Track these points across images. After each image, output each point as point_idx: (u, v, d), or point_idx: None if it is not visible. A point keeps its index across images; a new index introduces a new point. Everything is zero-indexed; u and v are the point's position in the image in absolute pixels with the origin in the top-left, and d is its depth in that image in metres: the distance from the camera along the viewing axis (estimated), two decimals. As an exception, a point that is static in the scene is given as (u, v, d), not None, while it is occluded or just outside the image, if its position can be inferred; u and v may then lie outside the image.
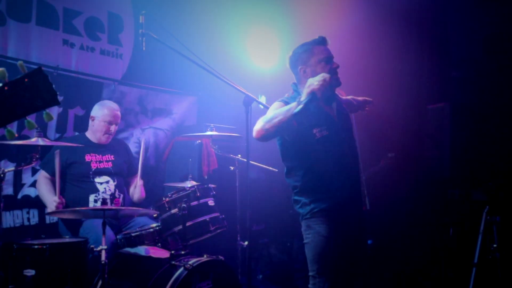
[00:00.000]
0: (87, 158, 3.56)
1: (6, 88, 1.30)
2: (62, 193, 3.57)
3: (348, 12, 4.84)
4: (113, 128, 3.67)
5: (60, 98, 4.15)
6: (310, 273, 2.54)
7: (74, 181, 3.54)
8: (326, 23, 4.90)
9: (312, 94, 2.35)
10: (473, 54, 4.64)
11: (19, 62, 1.35)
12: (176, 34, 3.39)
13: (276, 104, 2.62)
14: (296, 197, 2.64)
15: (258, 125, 2.46)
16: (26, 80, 1.30)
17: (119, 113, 3.72)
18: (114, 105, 3.75)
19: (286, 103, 2.57)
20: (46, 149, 3.46)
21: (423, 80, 4.83)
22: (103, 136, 3.64)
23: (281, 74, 5.41)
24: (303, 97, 2.37)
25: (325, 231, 2.50)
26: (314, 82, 2.37)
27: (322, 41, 2.69)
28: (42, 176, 3.56)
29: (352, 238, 2.57)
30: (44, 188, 3.49)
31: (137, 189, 3.65)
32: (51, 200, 3.30)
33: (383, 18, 4.71)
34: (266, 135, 2.45)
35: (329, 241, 2.49)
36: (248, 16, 5.14)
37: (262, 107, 3.44)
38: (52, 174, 3.52)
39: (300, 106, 2.33)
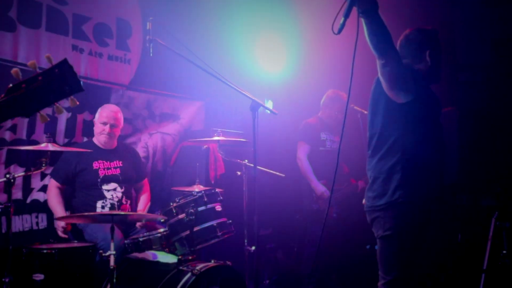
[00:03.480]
0: (95, 165, 3.58)
1: (40, 78, 1.48)
2: (70, 199, 3.61)
3: (355, 15, 4.83)
4: (107, 128, 3.62)
5: (68, 103, 4.15)
6: (387, 277, 2.32)
7: (82, 188, 3.57)
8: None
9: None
10: (480, 58, 4.63)
11: (31, 62, 1.53)
12: (183, 39, 3.42)
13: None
14: (384, 175, 2.38)
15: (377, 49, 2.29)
16: (56, 70, 1.48)
17: (116, 114, 3.69)
18: (111, 107, 3.76)
19: (408, 65, 2.44)
20: (55, 154, 3.49)
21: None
22: (100, 136, 3.65)
23: (288, 79, 5.45)
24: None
25: (418, 226, 2.31)
26: None
27: (438, 35, 2.60)
28: (52, 185, 3.58)
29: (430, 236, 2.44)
30: (54, 201, 3.53)
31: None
32: (57, 222, 3.45)
33: (390, 21, 4.70)
34: (384, 48, 2.28)
35: (414, 242, 2.31)
36: (255, 21, 5.16)
37: (268, 112, 3.44)
38: (62, 183, 3.56)
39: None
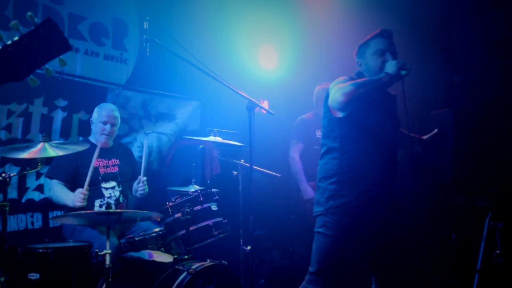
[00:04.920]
0: (95, 163, 3.57)
1: (25, 39, 1.39)
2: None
3: (352, 15, 4.86)
4: (108, 127, 3.63)
5: (64, 103, 4.14)
6: (310, 269, 2.47)
7: (82, 187, 3.53)
8: (330, 27, 4.93)
9: (408, 68, 2.36)
10: (476, 59, 4.65)
11: (13, 22, 1.44)
12: (180, 39, 3.43)
13: (343, 77, 2.54)
14: (323, 184, 2.50)
15: (349, 88, 2.36)
16: (41, 30, 1.40)
17: (115, 113, 3.69)
18: (110, 106, 3.77)
19: (352, 79, 2.52)
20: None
21: (426, 85, 4.84)
22: (100, 136, 3.64)
23: (284, 78, 5.47)
24: (393, 70, 2.36)
25: (338, 232, 2.40)
26: (400, 61, 2.41)
27: (379, 33, 2.60)
28: (55, 183, 3.49)
29: (374, 240, 2.47)
30: (60, 191, 3.43)
31: (140, 184, 3.60)
32: (76, 193, 3.25)
33: (386, 22, 4.72)
34: (356, 98, 2.35)
35: (344, 245, 2.40)
36: (251, 21, 5.17)
37: (265, 112, 3.45)
38: (65, 181, 3.50)
39: (402, 71, 2.36)
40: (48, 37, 1.40)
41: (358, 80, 2.44)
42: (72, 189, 3.51)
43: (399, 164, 4.49)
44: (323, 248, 2.44)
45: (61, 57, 1.47)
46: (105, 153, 3.67)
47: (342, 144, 2.49)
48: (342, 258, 2.42)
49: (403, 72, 2.39)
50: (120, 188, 3.64)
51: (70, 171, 3.51)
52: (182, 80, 4.90)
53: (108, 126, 3.63)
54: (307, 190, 4.18)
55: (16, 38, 1.39)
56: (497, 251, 3.43)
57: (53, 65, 1.52)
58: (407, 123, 2.59)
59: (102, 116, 3.65)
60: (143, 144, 4.61)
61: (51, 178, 3.53)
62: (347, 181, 2.45)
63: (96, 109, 3.72)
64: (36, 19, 1.41)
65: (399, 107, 2.69)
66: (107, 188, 3.58)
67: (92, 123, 3.71)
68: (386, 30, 2.60)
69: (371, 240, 2.47)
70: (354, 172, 2.45)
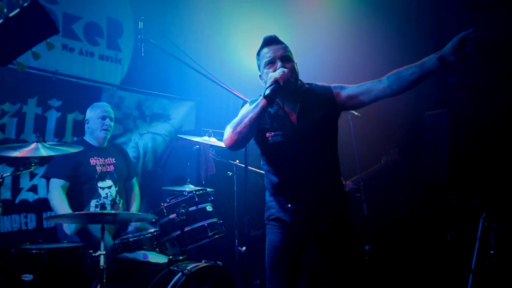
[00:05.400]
0: (92, 161, 3.57)
1: (11, 22, 1.34)
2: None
3: (345, 17, 4.87)
4: (107, 121, 3.64)
5: (58, 103, 4.11)
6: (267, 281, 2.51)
7: (79, 185, 3.52)
8: (323, 29, 4.93)
9: (276, 83, 2.21)
10: (470, 61, 4.66)
11: None
12: (175, 39, 3.43)
13: (245, 106, 2.46)
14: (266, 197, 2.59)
15: (228, 132, 2.29)
16: (27, 12, 1.35)
17: (110, 109, 3.73)
18: (103, 103, 3.82)
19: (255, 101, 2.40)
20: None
21: (420, 86, 4.84)
22: (100, 132, 3.63)
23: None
24: (267, 89, 2.22)
25: (276, 241, 2.43)
26: (275, 73, 2.27)
27: (262, 43, 2.48)
28: (55, 185, 3.42)
29: (314, 250, 2.50)
30: (59, 203, 3.36)
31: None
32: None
33: (380, 23, 4.75)
34: (239, 139, 2.26)
35: (280, 252, 2.41)
36: (246, 21, 5.16)
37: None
38: (67, 180, 3.45)
39: (268, 91, 2.19)
40: (34, 19, 1.36)
41: (237, 117, 2.34)
42: (71, 188, 3.49)
43: (393, 163, 4.54)
44: (266, 255, 2.49)
45: (48, 40, 1.43)
46: (101, 152, 3.66)
47: (262, 163, 2.53)
48: (280, 267, 2.43)
49: (266, 92, 2.22)
50: (117, 188, 3.63)
51: (70, 169, 3.48)
52: (177, 80, 4.89)
53: (107, 121, 3.64)
54: None
55: (0, 21, 1.35)
56: (491, 251, 3.44)
57: (47, 58, 1.49)
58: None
59: (99, 112, 3.65)
60: (138, 145, 4.61)
61: (49, 178, 3.48)
62: (273, 196, 2.49)
63: (89, 109, 3.71)
64: (21, 1, 1.35)
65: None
66: (103, 188, 3.56)
67: (88, 122, 3.69)
68: (268, 37, 2.47)
69: (314, 253, 2.53)
70: (273, 189, 2.47)
